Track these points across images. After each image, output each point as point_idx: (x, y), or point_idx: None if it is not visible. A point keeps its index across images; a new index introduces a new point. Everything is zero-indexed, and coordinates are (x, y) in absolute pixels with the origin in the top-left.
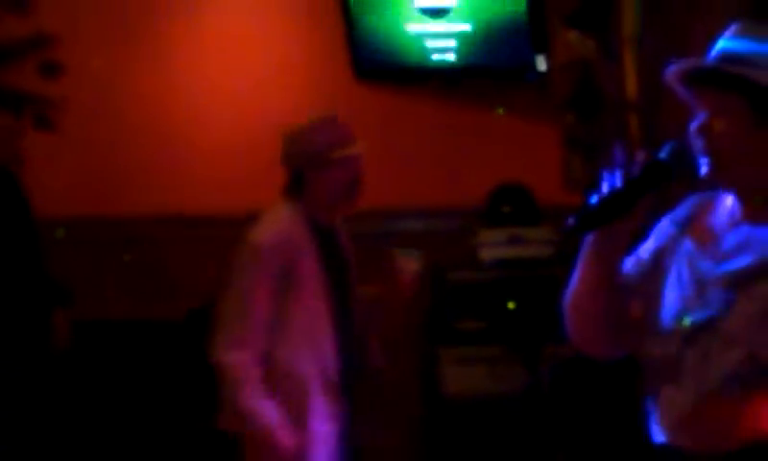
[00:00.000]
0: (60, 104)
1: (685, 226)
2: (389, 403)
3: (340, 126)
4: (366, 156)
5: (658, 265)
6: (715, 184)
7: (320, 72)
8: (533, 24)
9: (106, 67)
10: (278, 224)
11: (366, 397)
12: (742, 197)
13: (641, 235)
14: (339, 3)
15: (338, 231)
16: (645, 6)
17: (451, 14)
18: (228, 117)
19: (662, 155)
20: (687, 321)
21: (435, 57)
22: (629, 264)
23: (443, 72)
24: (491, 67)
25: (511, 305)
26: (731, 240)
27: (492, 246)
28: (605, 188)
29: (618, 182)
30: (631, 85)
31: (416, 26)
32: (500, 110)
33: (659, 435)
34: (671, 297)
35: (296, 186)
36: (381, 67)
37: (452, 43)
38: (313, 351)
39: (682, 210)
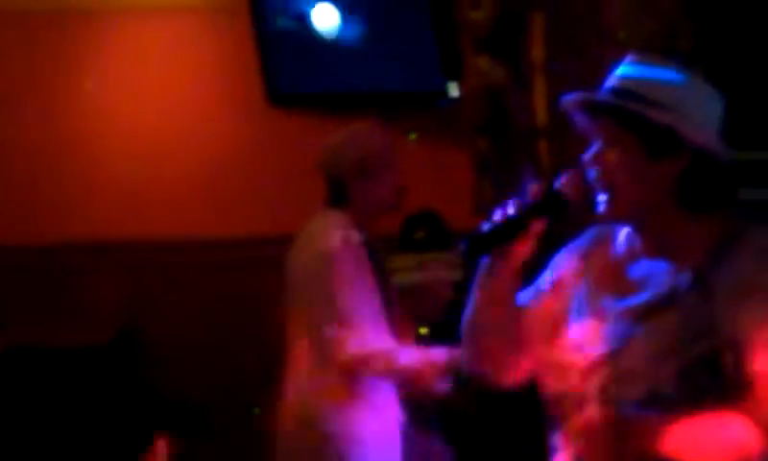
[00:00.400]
0: None
1: (586, 258)
2: None
3: (381, 134)
4: (282, 180)
5: (558, 296)
6: (611, 217)
7: (233, 98)
8: (444, 50)
9: (20, 101)
10: (342, 229)
11: None
12: (639, 229)
13: (540, 265)
14: (253, 30)
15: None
16: (555, 33)
17: (364, 42)
18: (141, 145)
19: (557, 184)
20: (588, 354)
21: (347, 83)
22: (528, 294)
23: (355, 98)
24: (403, 93)
25: (422, 330)
26: (631, 274)
27: (405, 272)
28: (497, 215)
29: (511, 210)
30: (540, 111)
31: (329, 52)
32: (413, 136)
33: None
34: (572, 329)
35: (338, 196)
36: (294, 93)
37: (364, 70)
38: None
39: (582, 241)
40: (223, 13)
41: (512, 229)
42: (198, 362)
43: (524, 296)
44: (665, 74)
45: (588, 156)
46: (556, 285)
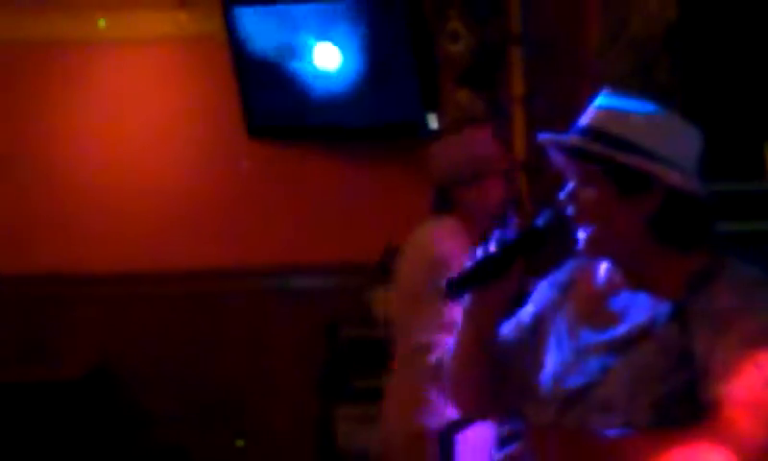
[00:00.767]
0: None
1: (566, 290)
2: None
3: (491, 140)
4: (261, 213)
5: (538, 329)
6: (589, 254)
7: (212, 129)
8: (424, 82)
9: None
10: (450, 236)
11: (260, 453)
12: (618, 263)
13: (519, 298)
14: (231, 60)
15: None
16: (534, 66)
17: (344, 74)
18: (118, 176)
19: (539, 221)
20: (565, 387)
21: (326, 114)
22: (509, 327)
23: (334, 130)
24: (383, 125)
25: None
26: (611, 307)
27: (386, 302)
28: (479, 252)
29: (492, 247)
30: (519, 144)
31: (309, 84)
32: (394, 167)
33: None
34: (550, 362)
35: (444, 203)
36: (274, 125)
37: (345, 101)
38: None
39: (562, 274)
40: (203, 45)
41: (493, 266)
42: (175, 395)
43: (505, 328)
44: (639, 110)
45: (563, 193)
46: (536, 318)
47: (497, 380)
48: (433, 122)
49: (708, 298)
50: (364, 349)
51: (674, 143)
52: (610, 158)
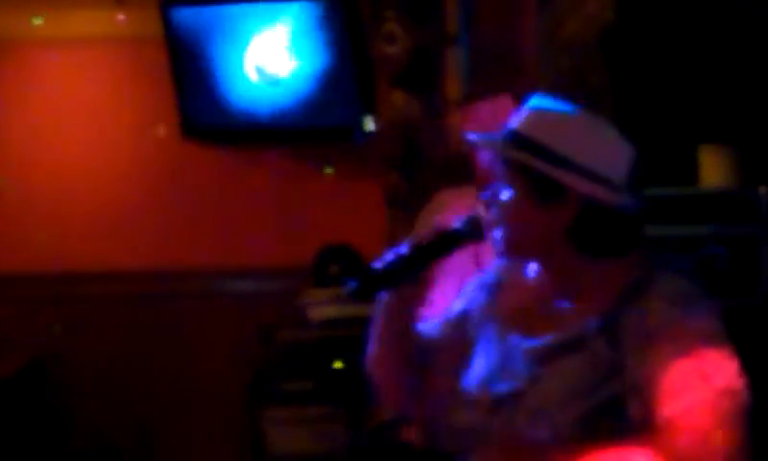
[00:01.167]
0: None
1: (495, 292)
2: None
3: (510, 107)
4: (195, 216)
5: (465, 328)
6: (506, 255)
7: (148, 131)
8: (361, 85)
9: None
10: (470, 204)
11: (185, 459)
12: (544, 270)
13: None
14: (168, 61)
15: None
16: (471, 68)
17: (281, 75)
18: (54, 175)
19: (456, 224)
20: (492, 392)
21: (263, 117)
22: (435, 324)
23: (271, 132)
24: (319, 128)
25: (338, 365)
26: (540, 313)
27: (319, 306)
28: (389, 255)
29: (404, 250)
30: (454, 146)
31: (245, 86)
32: (329, 170)
33: None
34: (478, 364)
35: (462, 174)
36: (210, 127)
37: (281, 104)
38: None
39: (491, 275)
40: (140, 46)
41: (403, 269)
42: (108, 396)
43: (430, 326)
44: (567, 117)
45: (486, 194)
46: (462, 316)
47: (420, 379)
48: (370, 125)
49: (638, 311)
50: (298, 352)
51: (599, 153)
52: (527, 165)
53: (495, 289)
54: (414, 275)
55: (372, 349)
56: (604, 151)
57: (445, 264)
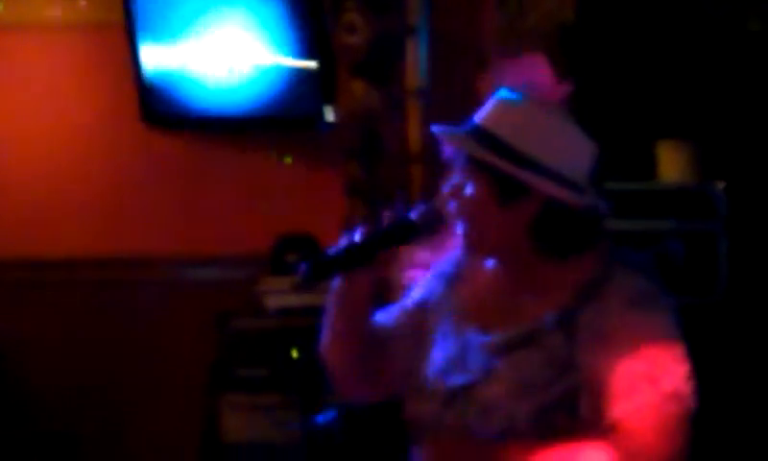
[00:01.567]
0: None
1: (453, 283)
2: (167, 450)
3: (541, 65)
4: (155, 204)
5: (422, 318)
6: (466, 250)
7: (107, 118)
8: (322, 75)
9: None
10: None
11: (143, 445)
12: (501, 265)
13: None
14: (129, 47)
15: None
16: (431, 58)
17: (242, 63)
18: (15, 163)
19: (412, 214)
20: (447, 383)
21: (223, 105)
22: (392, 313)
23: (230, 120)
24: (279, 117)
25: (294, 353)
26: (497, 307)
27: (277, 294)
28: (343, 241)
29: (357, 237)
30: (414, 137)
31: (206, 73)
32: (288, 159)
33: None
34: (435, 355)
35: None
36: (170, 115)
37: (242, 92)
38: None
39: (449, 266)
40: (102, 32)
41: (355, 256)
42: (67, 383)
43: (387, 314)
44: (531, 115)
45: (446, 187)
46: (420, 305)
47: (375, 367)
48: (330, 114)
49: (594, 309)
50: (254, 340)
51: (564, 153)
52: (488, 162)
53: (454, 280)
54: (366, 262)
55: (326, 335)
56: (569, 150)
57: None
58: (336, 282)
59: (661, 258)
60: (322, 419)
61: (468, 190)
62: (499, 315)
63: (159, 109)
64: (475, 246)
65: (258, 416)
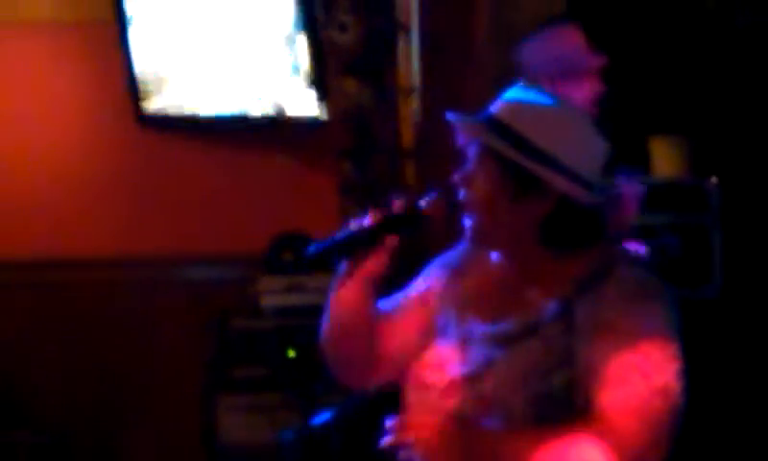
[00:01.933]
0: None
1: (457, 274)
2: (165, 450)
3: (576, 36)
4: (148, 203)
5: (425, 307)
6: (472, 242)
7: (100, 117)
8: (315, 73)
9: None
10: None
11: (140, 445)
12: (505, 257)
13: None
14: (121, 46)
15: None
16: (423, 56)
17: (235, 61)
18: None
19: (420, 202)
20: (448, 375)
21: (218, 104)
22: (394, 301)
23: (225, 119)
24: (273, 115)
25: (291, 353)
26: (500, 299)
27: (273, 294)
28: (352, 225)
29: (366, 221)
30: (406, 134)
31: (200, 72)
32: (282, 158)
33: None
34: (436, 347)
35: None
36: (163, 114)
37: (234, 90)
38: None
39: (453, 257)
40: (93, 29)
41: (362, 240)
42: (58, 387)
43: (390, 302)
44: (550, 111)
45: (458, 175)
46: (424, 295)
47: (376, 354)
48: (323, 113)
49: (593, 301)
50: (251, 340)
51: (579, 150)
52: (507, 156)
53: (458, 271)
54: (373, 245)
55: (328, 323)
56: (583, 147)
57: None
58: (342, 266)
59: (656, 252)
60: (317, 420)
61: (480, 182)
62: (502, 307)
63: (152, 108)
64: (482, 238)
65: (255, 416)
